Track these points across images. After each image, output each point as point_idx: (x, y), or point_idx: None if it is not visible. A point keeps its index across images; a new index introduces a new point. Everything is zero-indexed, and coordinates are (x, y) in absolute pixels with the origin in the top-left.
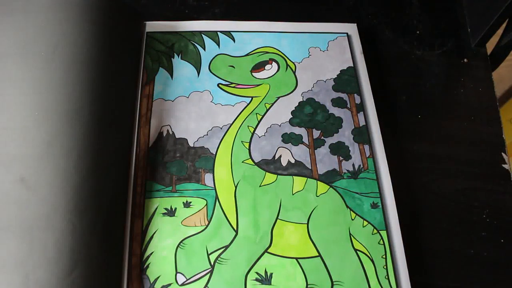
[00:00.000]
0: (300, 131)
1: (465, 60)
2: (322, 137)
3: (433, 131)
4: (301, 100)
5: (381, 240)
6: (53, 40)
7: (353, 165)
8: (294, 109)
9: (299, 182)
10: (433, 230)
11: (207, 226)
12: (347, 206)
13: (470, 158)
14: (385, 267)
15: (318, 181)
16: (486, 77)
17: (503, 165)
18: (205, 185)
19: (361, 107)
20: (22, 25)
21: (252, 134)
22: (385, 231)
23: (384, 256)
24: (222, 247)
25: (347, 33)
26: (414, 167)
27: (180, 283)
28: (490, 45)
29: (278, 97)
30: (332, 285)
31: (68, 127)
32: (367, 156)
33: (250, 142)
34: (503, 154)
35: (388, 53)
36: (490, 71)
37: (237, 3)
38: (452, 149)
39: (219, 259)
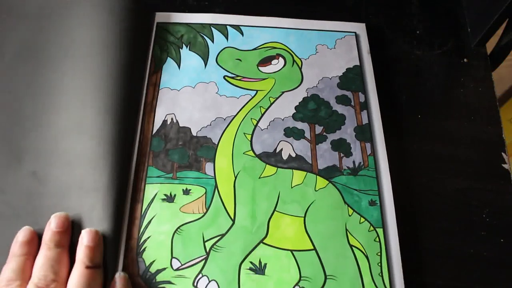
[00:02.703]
0: (303, 126)
1: (465, 60)
2: (324, 133)
3: (433, 130)
4: (306, 96)
5: (377, 238)
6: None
7: (354, 162)
8: (298, 104)
9: (298, 175)
10: (432, 229)
11: (205, 213)
12: (345, 202)
13: (470, 158)
14: (379, 264)
15: (317, 176)
16: (486, 77)
17: (503, 165)
18: (206, 173)
19: (365, 106)
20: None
21: (255, 126)
22: (381, 229)
23: (379, 254)
24: (219, 235)
25: (355, 32)
26: (414, 167)
27: (175, 268)
28: (490, 45)
29: (283, 92)
30: (326, 279)
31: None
32: (368, 154)
33: (252, 134)
34: (503, 154)
35: (388, 53)
36: (490, 71)
37: (237, 3)
38: (452, 149)
39: (214, 246)
